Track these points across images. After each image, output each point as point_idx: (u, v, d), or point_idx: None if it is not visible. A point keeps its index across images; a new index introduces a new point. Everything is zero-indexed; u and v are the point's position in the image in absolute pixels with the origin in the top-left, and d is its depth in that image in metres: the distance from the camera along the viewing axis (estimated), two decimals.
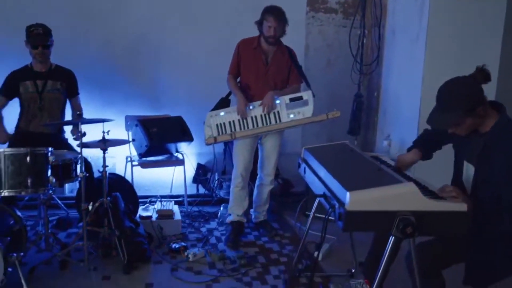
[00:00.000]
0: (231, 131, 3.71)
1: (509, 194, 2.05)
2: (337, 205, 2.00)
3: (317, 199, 2.78)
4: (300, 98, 3.73)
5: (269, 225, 4.04)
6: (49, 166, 2.95)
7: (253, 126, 3.73)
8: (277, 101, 3.70)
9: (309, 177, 2.62)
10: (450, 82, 2.21)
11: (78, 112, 3.25)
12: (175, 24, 4.72)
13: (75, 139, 3.72)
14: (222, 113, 3.73)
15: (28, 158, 2.85)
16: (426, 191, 2.16)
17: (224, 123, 3.72)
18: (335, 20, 5.10)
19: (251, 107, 3.71)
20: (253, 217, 4.09)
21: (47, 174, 2.94)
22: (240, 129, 3.72)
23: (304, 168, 2.73)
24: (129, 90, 4.73)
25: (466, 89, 2.16)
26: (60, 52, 3.89)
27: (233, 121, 3.72)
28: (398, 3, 4.60)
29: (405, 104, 4.39)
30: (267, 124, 3.72)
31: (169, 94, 4.84)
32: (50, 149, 2.98)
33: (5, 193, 2.83)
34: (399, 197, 1.94)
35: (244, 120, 3.72)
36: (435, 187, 2.21)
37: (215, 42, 4.70)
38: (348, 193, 1.91)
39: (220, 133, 3.72)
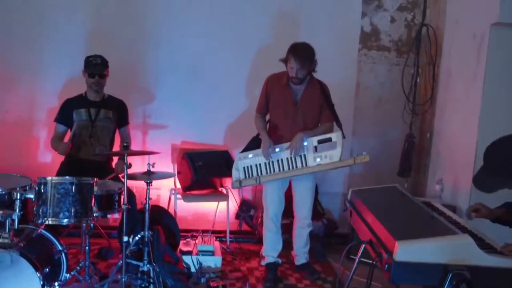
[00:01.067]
0: (257, 174, 3.62)
1: None
2: (384, 254, 1.88)
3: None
4: (329, 139, 3.56)
5: (311, 267, 3.88)
6: (94, 196, 2.97)
7: (279, 170, 3.61)
8: (305, 143, 3.55)
9: (356, 222, 2.50)
10: (499, 142, 2.01)
11: (125, 144, 3.29)
12: (226, 56, 4.75)
13: (118, 173, 3.74)
14: (250, 155, 3.67)
15: (73, 188, 2.87)
16: (483, 244, 2.00)
17: (251, 166, 3.65)
18: (388, 58, 5.00)
19: (277, 149, 3.59)
20: (294, 259, 3.94)
21: (91, 204, 2.94)
22: (266, 172, 3.61)
23: (351, 211, 2.61)
24: (177, 120, 4.77)
25: None
26: (113, 81, 4.03)
27: (260, 164, 3.63)
28: (454, 42, 4.45)
29: (460, 147, 4.18)
30: (293, 168, 3.59)
31: (217, 126, 4.83)
32: (95, 179, 3.00)
33: (49, 221, 2.85)
34: (452, 249, 1.81)
35: (270, 164, 3.61)
36: (494, 240, 2.04)
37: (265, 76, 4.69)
38: (397, 243, 1.80)
39: (247, 176, 3.65)
